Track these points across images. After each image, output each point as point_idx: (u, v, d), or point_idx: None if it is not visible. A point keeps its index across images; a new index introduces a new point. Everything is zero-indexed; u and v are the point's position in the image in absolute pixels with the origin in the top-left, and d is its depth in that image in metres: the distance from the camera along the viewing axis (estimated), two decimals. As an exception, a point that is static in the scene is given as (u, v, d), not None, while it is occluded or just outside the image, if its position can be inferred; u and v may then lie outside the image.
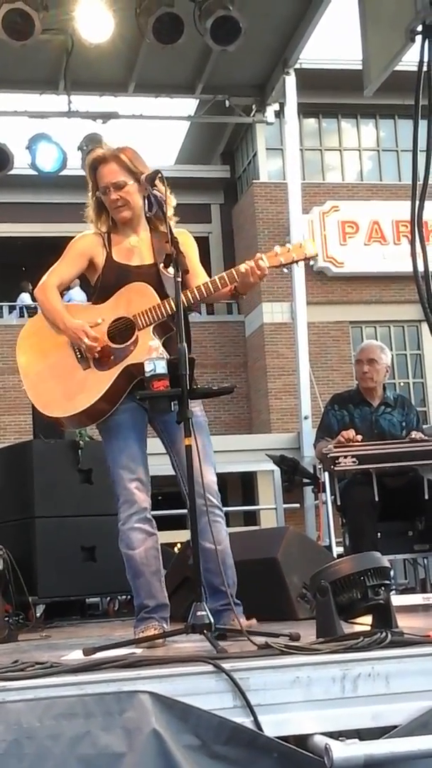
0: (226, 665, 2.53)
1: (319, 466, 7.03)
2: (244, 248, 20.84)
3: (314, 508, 9.64)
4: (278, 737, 2.47)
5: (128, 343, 3.76)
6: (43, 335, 3.94)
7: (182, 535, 6.20)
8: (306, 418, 11.43)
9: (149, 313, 3.74)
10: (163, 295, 3.76)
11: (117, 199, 3.89)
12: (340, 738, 2.44)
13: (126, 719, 2.40)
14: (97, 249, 3.96)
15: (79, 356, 3.83)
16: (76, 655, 3.16)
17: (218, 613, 3.53)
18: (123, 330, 3.79)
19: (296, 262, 3.78)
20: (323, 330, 18.93)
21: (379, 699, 2.56)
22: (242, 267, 3.71)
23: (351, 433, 5.29)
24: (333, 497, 5.59)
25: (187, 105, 11.77)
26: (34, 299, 20.02)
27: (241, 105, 10.55)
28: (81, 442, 6.71)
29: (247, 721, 2.47)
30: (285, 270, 3.82)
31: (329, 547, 6.34)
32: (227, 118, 11.69)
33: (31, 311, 19.72)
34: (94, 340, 3.77)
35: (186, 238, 3.90)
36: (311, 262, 3.77)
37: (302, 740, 2.50)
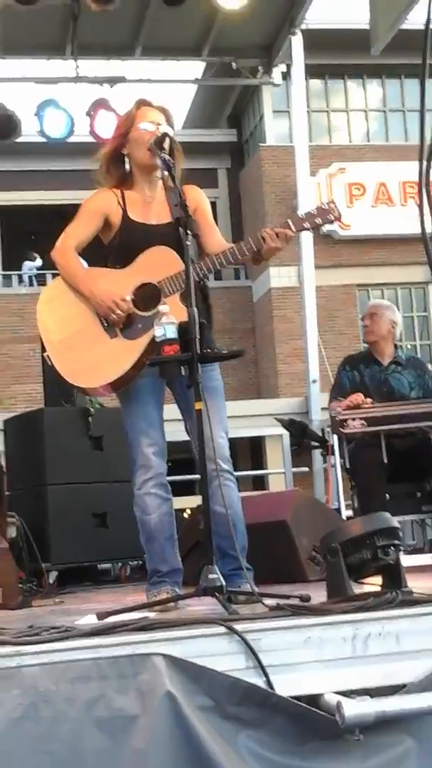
0: (238, 627, 2.55)
1: (328, 429, 7.05)
2: (251, 213, 20.73)
3: (323, 472, 9.66)
4: (290, 697, 2.50)
5: (155, 311, 3.66)
6: (65, 301, 3.85)
7: (192, 501, 6.23)
8: (314, 382, 11.42)
9: (175, 280, 3.67)
10: (184, 256, 3.67)
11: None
12: (351, 696, 2.47)
13: (140, 681, 2.43)
14: (112, 206, 3.89)
15: (105, 324, 3.77)
16: (90, 620, 3.18)
17: (228, 578, 3.51)
18: (149, 297, 3.73)
19: (321, 225, 3.81)
20: (331, 294, 18.83)
21: (389, 658, 2.59)
22: (268, 231, 3.68)
23: (360, 397, 5.31)
24: (342, 460, 5.61)
25: (194, 68, 11.69)
26: (39, 268, 20.10)
27: (248, 67, 10.47)
28: (91, 409, 6.71)
29: (259, 682, 2.49)
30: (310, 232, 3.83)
31: (338, 510, 6.36)
32: (234, 81, 11.62)
33: (40, 280, 19.65)
34: (124, 310, 3.72)
35: (197, 194, 3.90)
36: (326, 227, 3.83)
37: (314, 699, 2.53)
